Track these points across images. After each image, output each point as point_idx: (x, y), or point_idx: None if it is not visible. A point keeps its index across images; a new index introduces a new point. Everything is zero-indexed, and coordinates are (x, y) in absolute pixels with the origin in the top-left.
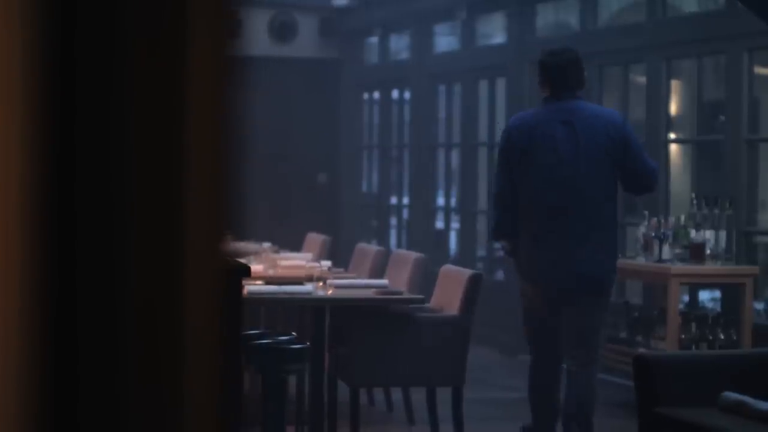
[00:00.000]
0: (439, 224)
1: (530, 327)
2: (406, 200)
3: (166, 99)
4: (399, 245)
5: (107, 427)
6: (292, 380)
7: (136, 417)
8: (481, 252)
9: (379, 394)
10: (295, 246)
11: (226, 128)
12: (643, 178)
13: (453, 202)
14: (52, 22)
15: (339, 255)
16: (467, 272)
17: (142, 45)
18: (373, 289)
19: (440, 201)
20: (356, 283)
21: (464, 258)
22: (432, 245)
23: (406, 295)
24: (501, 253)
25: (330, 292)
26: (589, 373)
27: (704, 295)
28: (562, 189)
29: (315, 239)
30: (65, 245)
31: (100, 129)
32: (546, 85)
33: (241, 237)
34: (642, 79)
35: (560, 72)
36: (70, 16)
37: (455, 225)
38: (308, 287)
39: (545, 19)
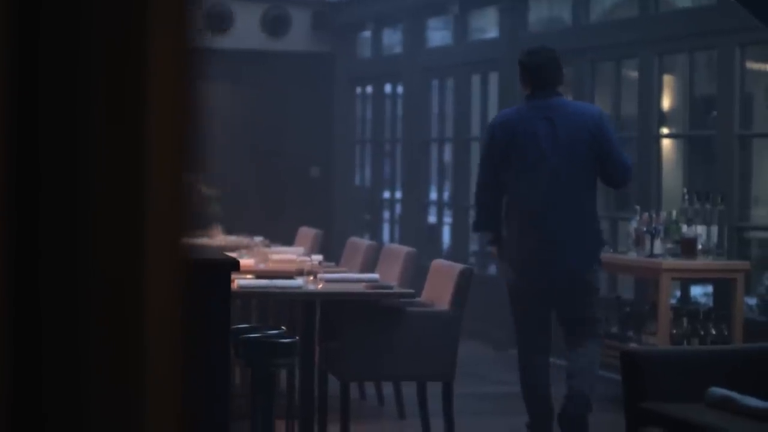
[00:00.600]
0: (432, 219)
1: (517, 316)
2: (398, 194)
3: (127, 93)
4: (392, 239)
5: (70, 421)
6: (283, 374)
7: (98, 411)
8: (474, 246)
9: (370, 388)
10: (288, 240)
11: (188, 123)
12: (619, 172)
13: (446, 196)
14: (15, 20)
15: (332, 249)
16: (458, 267)
17: (104, 41)
18: (364, 284)
19: (433, 195)
20: (347, 277)
21: (457, 252)
22: (425, 239)
23: (397, 290)
24: (489, 248)
25: (320, 286)
26: (585, 346)
27: (697, 291)
28: (544, 183)
29: (307, 233)
30: (27, 240)
31: (62, 124)
32: (527, 83)
33: (232, 231)
34: (634, 74)
35: (539, 70)
36: (33, 15)
37: (448, 219)
38: (298, 281)
39: (538, 13)
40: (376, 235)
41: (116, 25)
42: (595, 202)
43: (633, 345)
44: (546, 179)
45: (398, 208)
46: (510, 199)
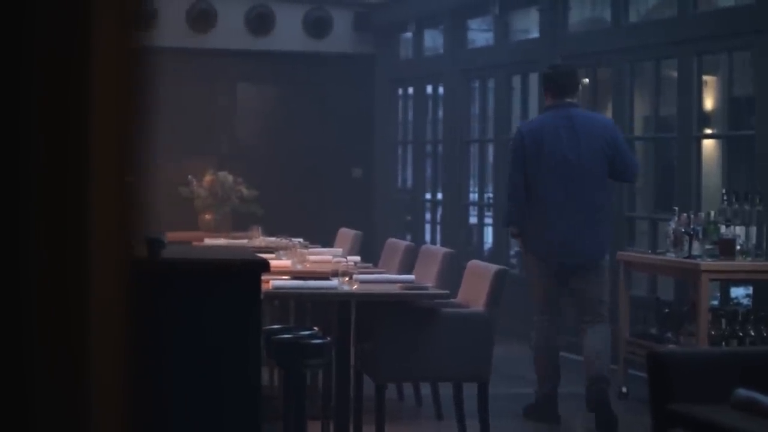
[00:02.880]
0: (473, 220)
1: (538, 294)
2: (440, 195)
3: (70, 94)
4: (433, 241)
5: (14, 421)
6: (319, 375)
7: (42, 411)
8: (515, 247)
9: (408, 389)
10: (329, 241)
11: (132, 122)
12: (627, 172)
13: (487, 197)
14: None
15: (373, 250)
16: (493, 268)
17: (47, 40)
18: (399, 284)
19: (474, 196)
20: (382, 278)
21: (498, 253)
22: (465, 240)
23: (431, 290)
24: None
25: (355, 287)
26: (597, 329)
27: (739, 292)
28: (566, 182)
29: (346, 234)
30: None
31: (5, 124)
32: (548, 93)
33: (273, 232)
34: (674, 74)
35: (561, 83)
36: None
37: (489, 220)
38: (333, 282)
39: (578, 14)
40: (417, 236)
41: (59, 25)
42: (608, 200)
43: (671, 346)
44: (568, 179)
45: (439, 208)
46: (536, 195)
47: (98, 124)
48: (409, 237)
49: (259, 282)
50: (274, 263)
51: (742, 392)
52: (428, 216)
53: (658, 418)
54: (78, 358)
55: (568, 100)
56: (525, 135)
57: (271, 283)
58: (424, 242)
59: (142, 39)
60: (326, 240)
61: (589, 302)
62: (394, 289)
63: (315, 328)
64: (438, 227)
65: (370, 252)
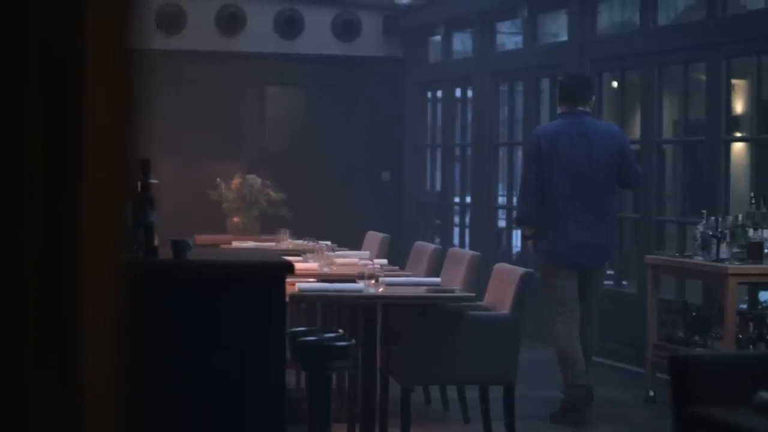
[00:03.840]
0: (502, 223)
1: (557, 295)
2: (468, 199)
3: (65, 97)
4: (462, 244)
5: (7, 423)
6: (345, 378)
7: (35, 413)
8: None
9: (435, 392)
10: (357, 244)
11: (126, 126)
12: (632, 179)
13: (515, 200)
14: None
15: (402, 253)
16: (519, 271)
17: (41, 43)
18: (425, 287)
19: (503, 199)
20: (408, 281)
21: (526, 256)
22: (494, 244)
23: (457, 293)
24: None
25: (381, 290)
26: (592, 324)
27: (767, 296)
28: (579, 186)
29: (374, 237)
30: None
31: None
32: (562, 101)
33: (301, 235)
34: (702, 78)
35: (576, 92)
36: None
37: None
38: (359, 285)
39: (606, 17)
40: (446, 240)
41: (54, 28)
42: (614, 203)
43: (699, 350)
44: (581, 183)
45: (468, 212)
46: (550, 198)
47: (94, 121)
48: (437, 240)
49: (283, 284)
50: (300, 266)
51: (765, 395)
52: (457, 219)
53: (680, 420)
54: (70, 357)
55: (581, 108)
56: (541, 139)
57: (297, 285)
58: (453, 246)
59: (134, 40)
60: (355, 243)
61: (594, 298)
62: (420, 292)
63: (340, 330)
64: (467, 231)
65: (398, 255)
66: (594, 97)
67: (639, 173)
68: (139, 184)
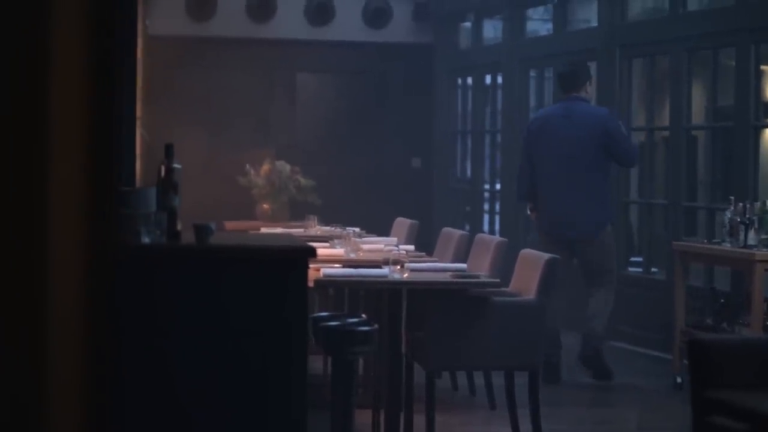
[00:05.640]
0: None
1: None
2: (498, 185)
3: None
4: (491, 231)
5: None
6: (371, 364)
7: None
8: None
9: (462, 378)
10: (387, 231)
11: (94, 117)
12: (622, 157)
13: None
14: None
15: (431, 240)
16: (544, 256)
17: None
18: (450, 273)
19: None
20: (433, 267)
21: None
22: (524, 230)
23: (482, 279)
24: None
25: (406, 275)
26: (598, 294)
27: None
28: (563, 165)
29: (402, 224)
30: None
31: None
32: (560, 89)
33: (331, 221)
34: (731, 63)
35: (565, 79)
36: None
37: None
38: (384, 270)
39: (637, 3)
40: (476, 226)
41: (21, 30)
42: (602, 182)
43: (718, 335)
44: (564, 163)
45: (498, 198)
46: (539, 177)
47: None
48: (467, 227)
49: (305, 268)
50: (327, 251)
51: None
52: (487, 206)
53: (697, 403)
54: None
55: (575, 94)
56: (532, 124)
57: (322, 270)
58: (482, 232)
59: (101, 43)
60: (384, 230)
61: (593, 273)
62: (445, 277)
63: (363, 315)
64: (497, 217)
65: (428, 242)
66: (589, 83)
67: (629, 151)
68: (162, 168)
